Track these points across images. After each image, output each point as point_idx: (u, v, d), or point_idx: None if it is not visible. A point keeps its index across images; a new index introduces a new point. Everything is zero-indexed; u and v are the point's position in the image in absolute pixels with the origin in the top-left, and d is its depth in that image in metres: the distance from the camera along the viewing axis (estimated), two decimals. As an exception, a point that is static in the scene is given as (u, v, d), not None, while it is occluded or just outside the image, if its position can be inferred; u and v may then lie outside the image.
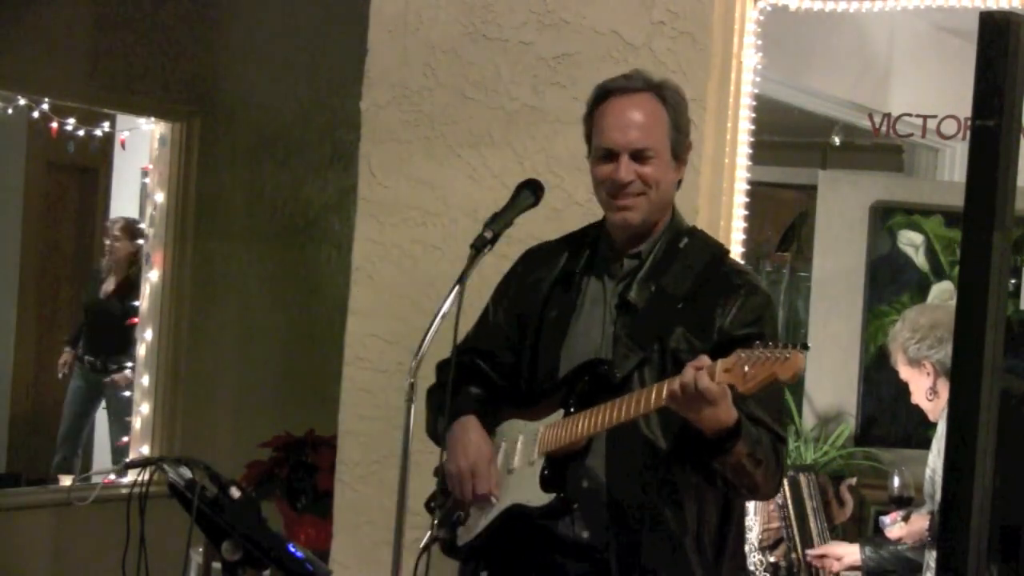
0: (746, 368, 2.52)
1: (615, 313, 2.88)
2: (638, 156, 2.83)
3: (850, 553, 4.26)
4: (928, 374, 4.03)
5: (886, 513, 4.21)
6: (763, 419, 2.75)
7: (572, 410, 2.82)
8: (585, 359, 2.87)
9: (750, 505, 4.23)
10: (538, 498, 2.81)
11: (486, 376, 3.03)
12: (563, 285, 2.95)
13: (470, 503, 2.90)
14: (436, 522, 2.88)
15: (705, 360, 2.59)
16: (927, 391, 4.05)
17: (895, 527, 4.13)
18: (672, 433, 2.77)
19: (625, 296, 2.87)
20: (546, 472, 2.82)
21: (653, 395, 2.64)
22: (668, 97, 2.88)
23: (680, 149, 2.89)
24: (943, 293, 5.42)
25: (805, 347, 2.50)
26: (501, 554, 2.91)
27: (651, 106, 2.86)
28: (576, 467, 2.84)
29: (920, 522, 4.07)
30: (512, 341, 3.01)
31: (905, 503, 4.23)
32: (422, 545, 2.89)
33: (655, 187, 2.85)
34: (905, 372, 4.10)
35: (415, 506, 2.91)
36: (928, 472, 4.06)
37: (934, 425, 4.12)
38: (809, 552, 4.34)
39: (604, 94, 2.90)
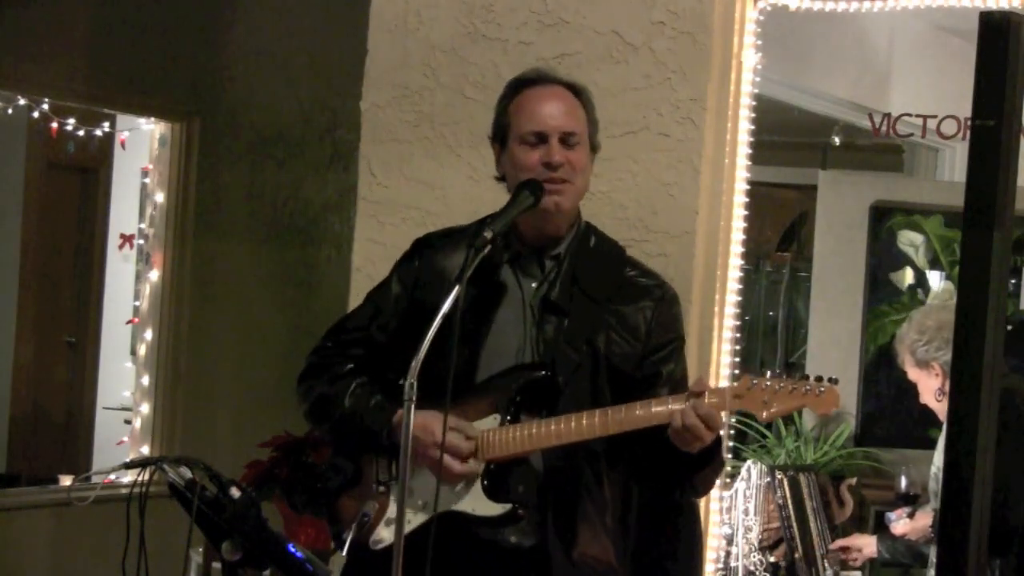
0: (766, 398, 2.57)
1: (537, 314, 2.85)
2: (566, 140, 2.84)
3: (868, 544, 4.34)
4: (936, 375, 4.03)
5: (888, 511, 4.25)
6: None
7: (509, 418, 2.77)
8: (508, 360, 2.82)
9: (750, 505, 4.24)
10: (485, 508, 2.76)
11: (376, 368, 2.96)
12: (481, 281, 2.80)
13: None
14: (355, 524, 2.79)
15: (706, 384, 2.66)
16: (936, 392, 4.05)
17: (900, 523, 4.19)
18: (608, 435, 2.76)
19: (549, 297, 2.85)
20: (486, 482, 2.77)
21: (652, 413, 2.66)
22: (581, 90, 2.93)
23: (595, 140, 2.92)
24: (943, 293, 5.42)
25: (833, 380, 2.55)
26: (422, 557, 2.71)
27: (569, 96, 2.90)
28: (518, 473, 2.79)
29: (924, 519, 4.12)
30: (392, 324, 2.93)
31: (911, 500, 4.29)
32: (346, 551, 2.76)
33: (581, 174, 2.87)
34: (913, 373, 4.11)
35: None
36: (933, 470, 4.09)
37: (935, 424, 4.13)
38: (833, 545, 4.39)
39: (520, 85, 2.92)
